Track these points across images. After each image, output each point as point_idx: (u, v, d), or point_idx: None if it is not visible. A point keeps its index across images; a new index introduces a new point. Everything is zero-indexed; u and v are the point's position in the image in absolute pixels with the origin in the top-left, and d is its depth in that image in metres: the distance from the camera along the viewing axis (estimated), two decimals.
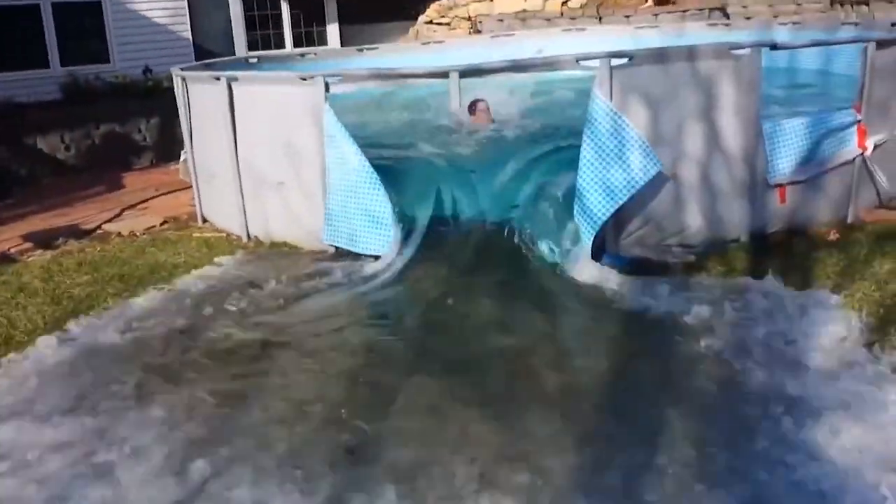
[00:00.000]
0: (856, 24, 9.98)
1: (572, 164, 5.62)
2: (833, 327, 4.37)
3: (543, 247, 5.68)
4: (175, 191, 8.78)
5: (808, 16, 12.07)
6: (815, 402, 3.66)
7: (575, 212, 5.58)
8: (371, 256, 5.93)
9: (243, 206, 6.88)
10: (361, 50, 10.41)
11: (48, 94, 11.11)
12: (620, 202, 5.45)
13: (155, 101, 10.75)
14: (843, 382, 3.81)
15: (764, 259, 5.51)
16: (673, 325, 4.59)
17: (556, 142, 6.51)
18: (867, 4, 11.93)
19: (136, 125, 10.76)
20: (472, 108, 7.48)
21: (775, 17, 12.21)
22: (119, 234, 7.41)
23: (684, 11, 13.37)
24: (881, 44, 6.18)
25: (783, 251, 5.68)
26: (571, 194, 5.65)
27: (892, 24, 8.25)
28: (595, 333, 4.70)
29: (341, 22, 14.72)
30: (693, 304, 4.77)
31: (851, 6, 12.12)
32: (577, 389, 3.97)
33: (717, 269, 5.42)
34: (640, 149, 5.45)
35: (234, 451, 3.54)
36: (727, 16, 12.98)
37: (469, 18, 14.74)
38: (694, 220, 5.91)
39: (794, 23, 10.87)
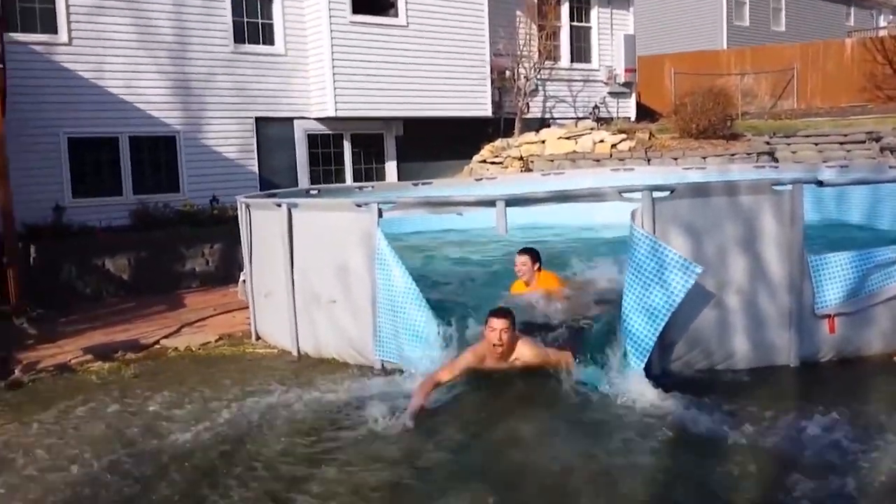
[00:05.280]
0: None
1: None
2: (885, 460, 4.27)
3: (590, 372, 5.69)
4: (232, 310, 9.08)
5: (857, 161, 12.27)
6: None
7: (621, 337, 5.65)
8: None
9: (296, 323, 7.10)
10: (416, 184, 10.90)
11: (119, 220, 11.74)
12: (663, 322, 5.51)
13: (219, 228, 11.28)
14: None
15: (812, 386, 5.48)
16: (720, 447, 4.53)
17: None
18: None
19: (199, 250, 11.26)
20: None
21: (824, 161, 12.43)
22: (175, 349, 7.67)
23: (732, 155, 13.71)
24: None
25: (832, 379, 5.62)
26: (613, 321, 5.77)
27: None
28: (640, 454, 4.64)
29: (399, 160, 15.43)
30: (739, 428, 4.71)
31: None
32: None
33: (764, 394, 5.37)
34: (677, 266, 5.56)
35: None
36: (776, 160, 13.26)
37: (521, 158, 15.30)
38: (741, 346, 5.95)
39: (842, 166, 11.08)
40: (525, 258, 6.85)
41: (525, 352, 5.64)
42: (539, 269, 6.86)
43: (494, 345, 5.47)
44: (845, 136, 13.54)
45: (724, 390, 5.48)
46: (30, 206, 10.66)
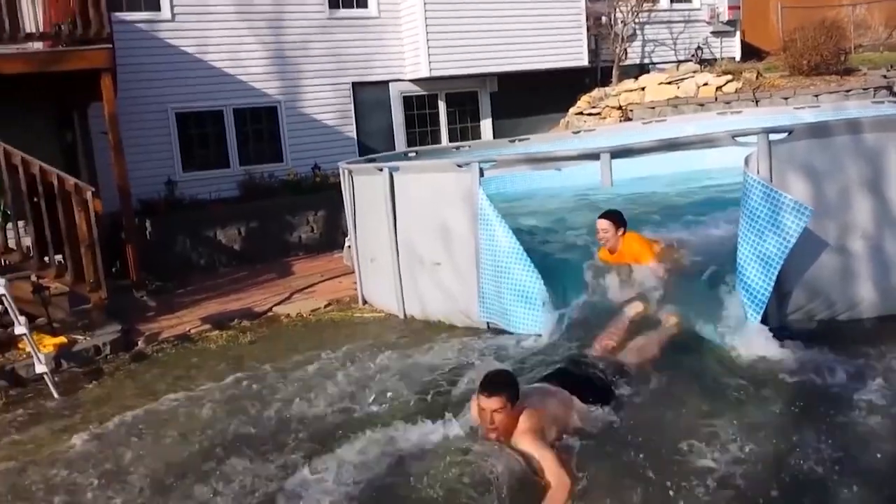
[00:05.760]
0: None
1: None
2: None
3: (709, 329, 5.48)
4: (339, 276, 9.26)
5: None
6: None
7: (738, 290, 5.42)
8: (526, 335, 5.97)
9: (401, 287, 7.16)
10: (513, 141, 10.74)
11: (227, 191, 12.10)
12: (777, 270, 5.26)
13: (322, 195, 11.48)
14: None
15: None
16: (849, 404, 4.31)
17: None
18: None
19: (304, 217, 11.51)
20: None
21: None
22: (287, 316, 7.88)
23: (847, 91, 12.90)
24: None
25: None
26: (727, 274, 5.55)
27: None
28: (762, 411, 4.45)
29: (494, 117, 15.24)
30: (867, 382, 4.47)
31: None
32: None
33: (893, 345, 5.05)
34: (790, 209, 5.28)
35: None
36: (895, 94, 12.41)
37: (620, 107, 14.86)
38: (867, 294, 5.62)
39: None
40: (606, 223, 6.24)
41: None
42: (624, 232, 6.24)
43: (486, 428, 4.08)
44: None
45: (849, 342, 5.18)
46: (143, 182, 11.09)
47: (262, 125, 13.18)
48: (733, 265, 5.53)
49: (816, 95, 12.89)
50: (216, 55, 12.60)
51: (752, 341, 5.18)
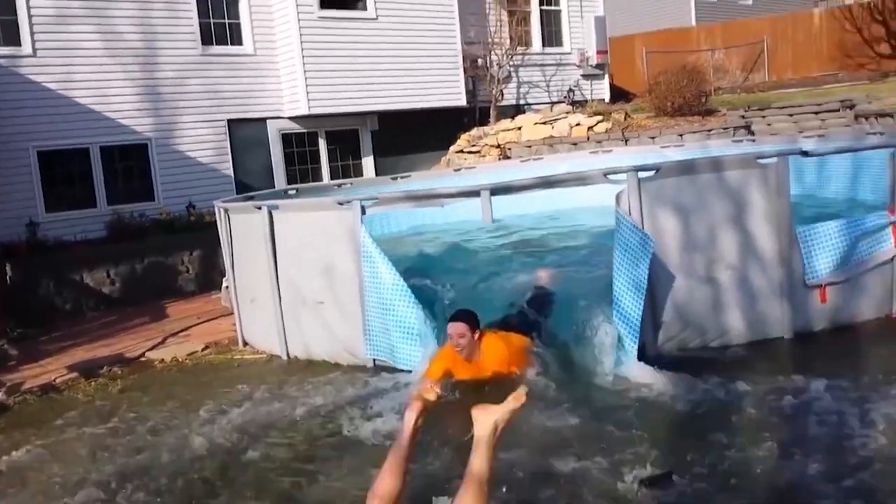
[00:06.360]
0: (881, 133, 10.13)
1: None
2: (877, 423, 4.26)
3: (587, 357, 5.61)
4: (217, 318, 8.94)
5: (834, 130, 12.29)
6: None
7: (615, 319, 5.58)
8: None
9: (283, 327, 6.99)
10: (395, 178, 10.79)
11: (94, 232, 11.52)
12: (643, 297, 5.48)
13: (197, 234, 11.11)
14: None
15: (808, 356, 5.52)
16: (722, 423, 4.50)
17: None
18: (892, 116, 12.13)
19: (179, 258, 11.08)
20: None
21: (800, 132, 12.43)
22: (162, 361, 7.53)
23: (709, 131, 13.69)
24: None
25: (828, 347, 5.68)
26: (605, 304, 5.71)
27: None
28: (641, 437, 4.58)
29: (376, 154, 15.28)
30: (739, 402, 4.71)
31: (876, 118, 12.34)
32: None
33: (762, 367, 5.34)
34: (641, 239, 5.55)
35: None
36: (752, 133, 13.26)
37: (498, 146, 15.21)
38: (735, 321, 5.92)
39: (820, 135, 11.07)
40: (462, 327, 5.21)
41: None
42: (480, 335, 5.27)
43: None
44: (819, 105, 13.59)
45: (720, 367, 5.44)
46: (3, 224, 10.45)
47: (131, 163, 12.68)
48: (608, 297, 5.70)
49: (681, 135, 13.62)
50: (82, 91, 12.06)
51: (630, 369, 5.35)
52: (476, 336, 5.25)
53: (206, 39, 13.27)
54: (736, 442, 4.29)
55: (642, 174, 5.85)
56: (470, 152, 15.49)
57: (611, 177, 5.90)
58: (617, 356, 5.45)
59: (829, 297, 6.02)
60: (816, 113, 13.44)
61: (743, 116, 14.07)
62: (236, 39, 13.64)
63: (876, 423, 4.29)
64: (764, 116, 13.86)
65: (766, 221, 5.89)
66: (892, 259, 6.20)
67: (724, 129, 13.64)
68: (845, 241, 6.05)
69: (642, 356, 5.50)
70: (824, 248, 6.01)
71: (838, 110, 13.20)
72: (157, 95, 12.78)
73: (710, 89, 16.47)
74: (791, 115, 13.64)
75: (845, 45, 20.02)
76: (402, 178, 10.80)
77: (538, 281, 6.68)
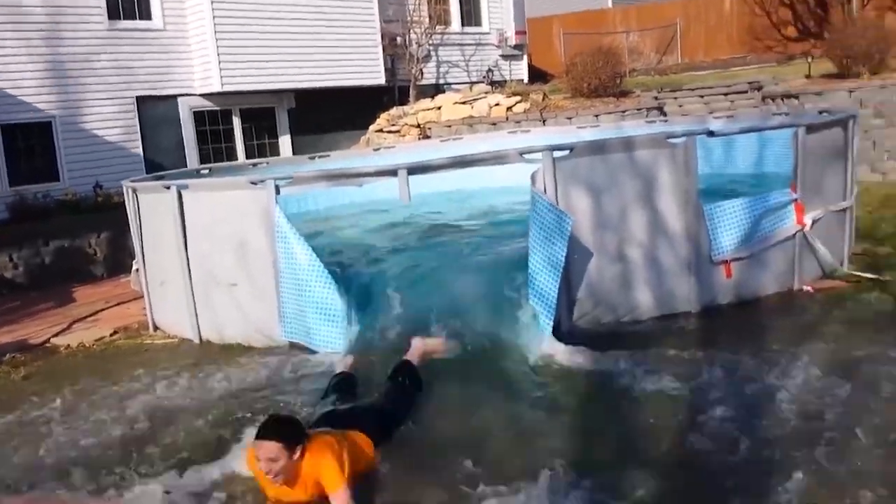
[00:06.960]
0: (786, 114, 10.51)
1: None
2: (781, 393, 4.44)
3: (503, 335, 5.66)
4: (126, 301, 8.66)
5: (742, 110, 12.68)
6: None
7: (531, 297, 5.63)
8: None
9: (195, 310, 6.81)
10: (313, 158, 10.61)
11: None
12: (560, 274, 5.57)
13: (105, 215, 10.74)
14: None
15: (714, 329, 5.71)
16: (632, 398, 4.62)
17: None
18: (797, 98, 12.60)
19: (86, 240, 10.68)
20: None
21: (711, 112, 12.79)
22: (68, 347, 7.26)
23: (623, 112, 13.96)
24: (810, 128, 6.54)
25: (732, 321, 5.90)
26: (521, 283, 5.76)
27: (820, 112, 8.71)
28: (556, 411, 4.66)
29: (293, 133, 15.04)
30: (648, 376, 4.83)
31: (782, 100, 12.79)
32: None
33: (670, 342, 5.49)
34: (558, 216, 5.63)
35: None
36: (664, 114, 13.58)
37: (418, 126, 15.17)
38: (644, 297, 6.06)
39: (728, 116, 11.41)
40: (274, 448, 3.65)
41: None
42: (302, 452, 3.70)
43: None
44: (728, 87, 14.01)
45: (631, 341, 5.56)
46: None
47: (34, 142, 12.16)
48: (523, 275, 5.75)
49: (597, 116, 13.85)
50: None
51: (544, 345, 5.42)
52: (297, 455, 3.71)
53: (114, 14, 12.81)
54: (644, 413, 4.41)
55: (557, 154, 5.91)
56: (389, 132, 15.41)
57: (526, 156, 5.95)
58: (532, 333, 5.52)
59: (734, 273, 6.22)
60: (726, 94, 13.84)
61: (656, 98, 14.39)
62: (145, 13, 13.20)
63: (775, 391, 4.47)
64: (676, 98, 14.20)
65: (674, 199, 6.04)
66: (794, 235, 6.45)
67: (638, 109, 13.93)
68: (750, 218, 6.25)
69: (556, 332, 5.58)
70: (730, 224, 6.20)
71: (746, 92, 13.63)
72: (62, 72, 12.27)
73: (625, 71, 16.79)
74: (702, 97, 14.01)
75: (755, 29, 20.67)
76: (320, 157, 10.62)
77: (408, 352, 5.20)
